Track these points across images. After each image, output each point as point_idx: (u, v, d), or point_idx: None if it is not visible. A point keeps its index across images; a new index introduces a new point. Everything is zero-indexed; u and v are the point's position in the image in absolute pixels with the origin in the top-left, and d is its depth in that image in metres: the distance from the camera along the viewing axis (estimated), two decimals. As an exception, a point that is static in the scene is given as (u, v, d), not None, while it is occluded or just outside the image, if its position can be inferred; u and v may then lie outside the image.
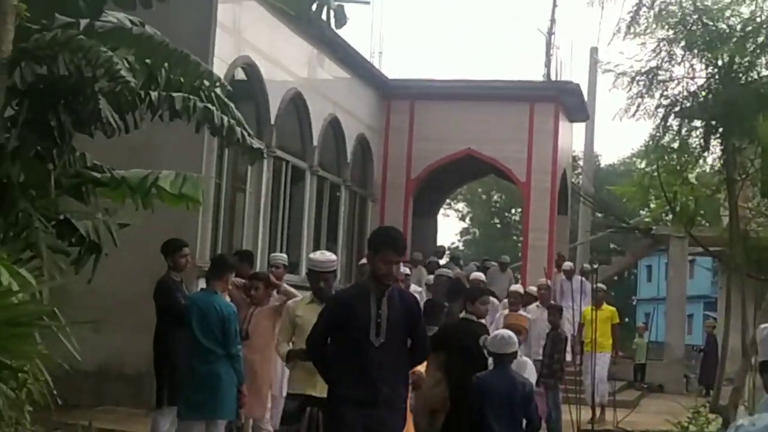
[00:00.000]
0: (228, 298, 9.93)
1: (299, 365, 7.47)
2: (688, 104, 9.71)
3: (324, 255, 7.97)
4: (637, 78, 9.55)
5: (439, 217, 28.06)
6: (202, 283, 10.28)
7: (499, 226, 56.78)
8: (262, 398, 9.54)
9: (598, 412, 14.11)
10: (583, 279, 18.86)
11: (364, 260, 8.31)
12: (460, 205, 57.47)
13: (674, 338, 23.62)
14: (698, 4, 9.47)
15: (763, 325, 3.93)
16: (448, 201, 40.91)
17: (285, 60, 16.30)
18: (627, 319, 35.78)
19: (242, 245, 14.61)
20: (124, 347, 12.25)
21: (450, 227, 61.10)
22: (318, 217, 18.42)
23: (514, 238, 49.17)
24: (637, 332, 27.08)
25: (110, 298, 10.90)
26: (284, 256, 12.66)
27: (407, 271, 13.54)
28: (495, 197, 55.97)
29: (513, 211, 54.38)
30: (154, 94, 7.75)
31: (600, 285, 17.07)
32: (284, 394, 8.59)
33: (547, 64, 28.65)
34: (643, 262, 50.56)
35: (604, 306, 15.75)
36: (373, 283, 6.39)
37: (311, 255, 7.91)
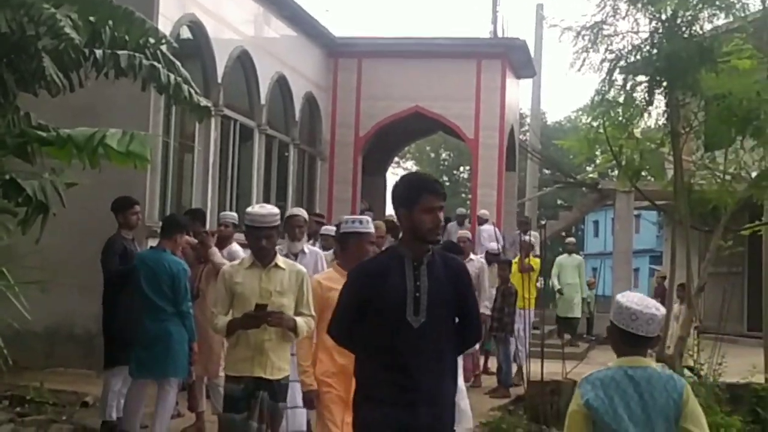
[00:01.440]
0: (181, 257, 9.93)
1: (242, 341, 6.65)
2: (633, 59, 9.77)
3: (264, 208, 6.84)
4: (582, 33, 9.60)
5: (388, 176, 28.06)
6: (152, 243, 10.24)
7: (448, 183, 56.93)
8: (215, 356, 9.55)
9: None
10: (496, 227, 19.43)
11: (360, 227, 6.68)
12: (409, 164, 57.56)
13: (621, 291, 23.91)
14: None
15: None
16: (396, 159, 40.96)
17: (231, 18, 16.17)
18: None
19: (191, 204, 14.55)
20: (73, 308, 12.18)
21: (399, 185, 60.99)
22: (267, 175, 18.38)
23: (463, 195, 49.37)
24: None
25: (58, 258, 10.81)
26: (234, 214, 12.62)
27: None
28: (443, 155, 56.16)
29: (461, 168, 54.64)
30: (98, 52, 7.67)
31: (532, 235, 17.28)
32: (221, 373, 8.06)
33: (494, 21, 28.68)
34: (590, 218, 51.14)
35: (531, 258, 15.65)
36: (409, 245, 5.07)
37: (249, 209, 6.80)
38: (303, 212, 9.52)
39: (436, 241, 5.08)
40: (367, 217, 6.93)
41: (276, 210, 6.84)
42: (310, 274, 7.49)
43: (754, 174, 10.39)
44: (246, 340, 6.62)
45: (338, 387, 6.56)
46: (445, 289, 5.03)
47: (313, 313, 6.72)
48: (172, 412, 9.03)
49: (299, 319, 6.66)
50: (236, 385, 6.66)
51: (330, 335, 5.47)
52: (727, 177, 10.37)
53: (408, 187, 5.12)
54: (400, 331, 4.95)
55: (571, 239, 23.16)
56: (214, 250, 9.95)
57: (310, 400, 6.72)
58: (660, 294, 21.77)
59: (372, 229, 6.87)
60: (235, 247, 10.34)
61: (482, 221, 19.61)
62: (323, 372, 6.63)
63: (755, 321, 17.76)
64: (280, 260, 6.86)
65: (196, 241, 10.24)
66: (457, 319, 5.15)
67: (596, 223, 56.75)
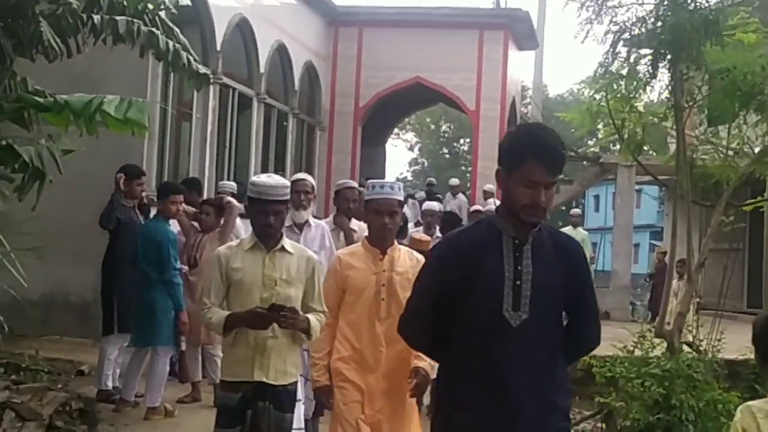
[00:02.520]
0: (178, 226, 9.92)
1: (241, 339, 5.52)
2: (637, 31, 9.67)
3: (272, 178, 5.69)
4: (587, 4, 9.47)
5: (388, 147, 28.00)
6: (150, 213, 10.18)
7: (447, 156, 56.94)
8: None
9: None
10: (464, 198, 19.38)
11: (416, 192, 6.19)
12: (409, 135, 57.52)
13: (621, 266, 23.88)
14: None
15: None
16: (396, 131, 40.87)
17: (231, -15, 16.05)
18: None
19: (188, 173, 14.49)
20: (69, 276, 12.13)
21: (399, 157, 61.11)
22: (266, 145, 18.31)
23: (463, 168, 49.32)
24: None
25: (54, 225, 10.74)
26: (233, 184, 12.57)
27: None
28: (444, 127, 56.07)
29: (461, 141, 54.58)
30: (96, 18, 7.59)
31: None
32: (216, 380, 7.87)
33: (497, -8, 28.51)
34: (591, 192, 51.07)
35: None
36: (508, 219, 3.85)
37: (254, 179, 5.65)
38: (309, 177, 8.14)
39: (532, 224, 3.82)
40: (398, 183, 5.95)
41: (286, 181, 5.75)
42: (315, 250, 6.89)
43: (757, 149, 10.30)
44: (245, 338, 5.50)
45: (356, 379, 5.69)
46: (555, 276, 3.86)
47: (325, 308, 5.69)
48: (163, 381, 9.03)
49: (312, 319, 5.56)
50: (233, 393, 5.54)
51: (402, 334, 4.29)
52: (730, 152, 10.27)
53: (514, 143, 3.82)
54: (494, 332, 3.78)
55: (577, 210, 23.13)
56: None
57: (321, 397, 5.92)
58: (660, 270, 21.75)
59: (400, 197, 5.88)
60: (238, 222, 10.29)
61: (488, 195, 19.45)
62: (338, 360, 5.75)
63: (755, 298, 17.77)
64: (287, 243, 5.66)
65: (193, 210, 10.19)
66: (566, 317, 4.03)
67: (597, 197, 56.70)
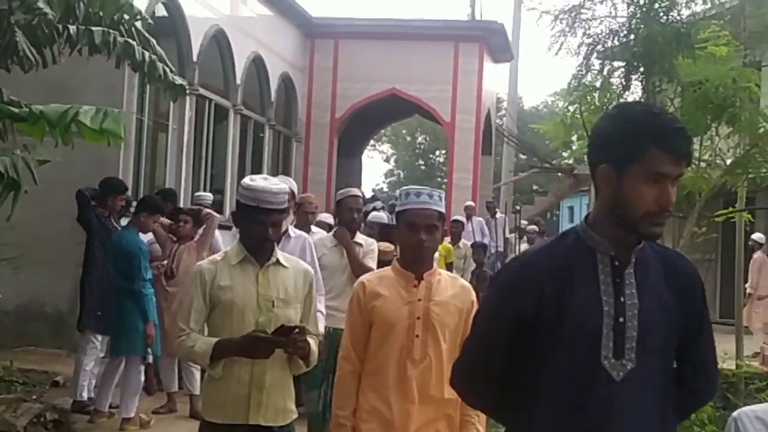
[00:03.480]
0: (152, 237, 9.93)
1: (233, 372, 4.60)
2: (610, 43, 9.77)
3: (271, 182, 4.76)
4: (560, 16, 9.59)
5: (364, 158, 28.04)
6: (124, 222, 10.17)
7: (423, 167, 56.98)
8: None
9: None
10: (482, 221, 19.07)
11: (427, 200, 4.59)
12: (385, 147, 57.57)
13: (594, 277, 23.91)
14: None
15: None
16: (372, 143, 40.92)
17: (207, -4, 16.06)
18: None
19: (165, 184, 14.47)
20: (44, 287, 12.08)
21: (375, 169, 61.21)
22: (242, 156, 18.30)
23: (438, 179, 49.39)
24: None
25: (29, 236, 10.70)
26: (210, 195, 12.58)
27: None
28: (419, 139, 56.16)
29: (437, 152, 54.66)
30: (72, 28, 7.60)
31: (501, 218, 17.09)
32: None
33: (472, 4, 28.67)
34: (566, 204, 51.17)
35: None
36: (607, 231, 2.84)
37: (249, 182, 4.69)
38: (289, 181, 7.25)
39: (653, 237, 2.82)
40: (438, 191, 4.66)
41: (286, 186, 4.89)
42: None
43: (728, 161, 10.41)
44: (238, 371, 4.56)
45: None
46: (668, 310, 2.86)
47: (321, 330, 5.17)
48: (138, 391, 9.01)
49: (312, 343, 4.67)
50: None
51: (456, 388, 3.17)
52: (702, 164, 10.39)
53: (630, 129, 2.76)
54: (590, 388, 2.78)
55: (533, 227, 21.02)
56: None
57: None
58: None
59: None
60: (217, 234, 10.30)
61: (470, 214, 18.98)
62: (357, 413, 4.55)
63: (727, 308, 17.85)
64: (281, 255, 4.80)
65: (168, 221, 10.18)
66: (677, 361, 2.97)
67: (571, 208, 56.73)
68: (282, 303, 4.63)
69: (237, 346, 4.47)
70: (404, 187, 4.75)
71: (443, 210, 4.61)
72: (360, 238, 7.54)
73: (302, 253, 6.74)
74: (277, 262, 4.71)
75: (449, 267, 13.41)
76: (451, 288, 4.57)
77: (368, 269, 6.84)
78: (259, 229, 4.60)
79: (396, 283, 4.53)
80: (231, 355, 4.52)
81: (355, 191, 7.75)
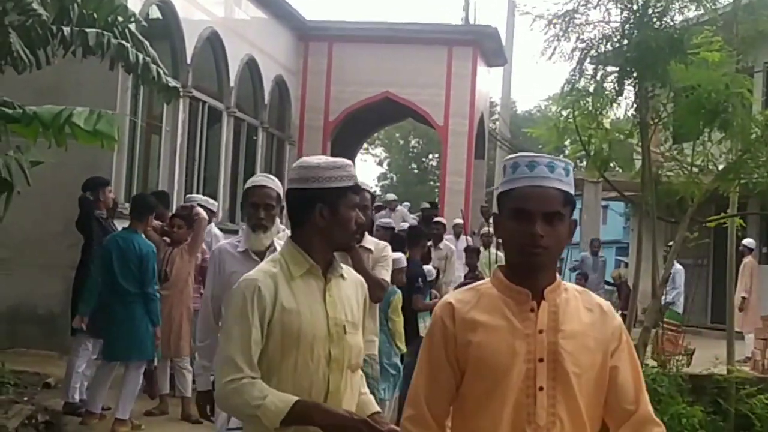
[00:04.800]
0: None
1: None
2: (603, 48, 9.79)
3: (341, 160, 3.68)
4: (554, 21, 9.59)
5: (357, 162, 28.02)
6: (117, 224, 10.16)
7: (416, 171, 56.99)
8: (182, 338, 9.55)
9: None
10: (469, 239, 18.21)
11: None
12: (378, 150, 57.54)
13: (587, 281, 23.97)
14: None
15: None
16: (366, 146, 40.92)
17: (201, -1, 16.06)
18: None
19: (158, 186, 14.46)
20: (36, 288, 12.05)
21: (368, 172, 61.20)
22: (235, 159, 18.31)
23: (431, 183, 49.41)
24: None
25: (22, 237, 10.71)
26: (200, 197, 12.56)
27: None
28: (412, 142, 56.13)
29: (430, 156, 54.65)
30: (66, 29, 7.60)
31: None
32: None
33: (466, 8, 28.69)
34: (558, 207, 51.15)
35: None
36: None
37: (311, 160, 3.60)
38: (274, 181, 5.64)
39: None
40: (562, 161, 3.04)
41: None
42: None
43: (721, 166, 10.43)
44: None
45: None
46: None
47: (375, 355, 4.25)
48: (135, 394, 9.00)
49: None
50: None
51: None
52: (695, 169, 10.41)
53: None
54: None
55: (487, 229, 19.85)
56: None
57: None
58: (618, 287, 21.87)
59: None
60: (215, 230, 10.27)
61: (459, 233, 17.44)
62: None
63: (719, 313, 17.90)
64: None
65: (160, 224, 10.18)
66: None
67: (563, 212, 56.81)
68: (352, 328, 3.58)
69: (330, 418, 3.32)
70: (511, 156, 3.08)
71: (571, 190, 3.00)
72: (369, 241, 6.23)
73: None
74: (341, 273, 3.63)
75: None
76: (586, 310, 3.04)
77: (380, 282, 5.92)
78: (357, 216, 3.60)
79: (502, 305, 2.98)
80: (312, 425, 3.33)
81: (263, 180, 5.61)
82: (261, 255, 5.23)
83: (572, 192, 2.99)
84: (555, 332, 2.94)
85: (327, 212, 3.47)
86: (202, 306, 5.68)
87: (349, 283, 3.66)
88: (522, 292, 2.96)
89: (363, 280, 3.79)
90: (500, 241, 3.22)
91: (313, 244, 3.51)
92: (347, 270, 3.71)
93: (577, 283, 12.76)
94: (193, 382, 6.48)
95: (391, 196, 20.57)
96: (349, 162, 3.58)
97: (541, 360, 2.91)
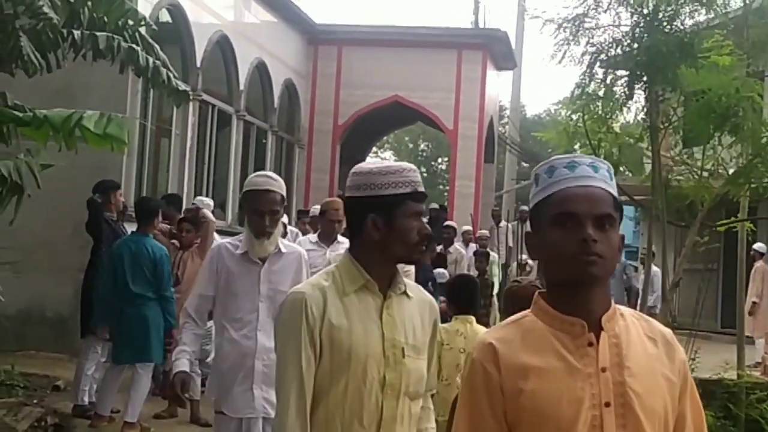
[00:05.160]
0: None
1: None
2: (613, 52, 9.77)
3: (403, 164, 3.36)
4: (564, 25, 9.58)
5: (366, 165, 28.01)
6: (127, 227, 10.18)
7: (426, 175, 56.98)
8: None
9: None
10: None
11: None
12: (387, 154, 57.56)
13: (596, 285, 23.92)
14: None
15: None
16: (375, 150, 40.91)
17: (211, 2, 16.08)
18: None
19: (167, 189, 14.49)
20: (46, 291, 12.09)
21: (377, 175, 61.10)
22: (244, 162, 18.31)
23: (441, 186, 49.39)
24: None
25: (31, 240, 10.73)
26: (207, 199, 12.57)
27: None
28: (422, 146, 56.19)
29: (439, 159, 54.68)
30: (77, 33, 7.62)
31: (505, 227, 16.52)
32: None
33: (476, 12, 28.69)
34: (567, 212, 51.12)
35: None
36: None
37: (380, 164, 3.37)
38: (278, 180, 5.25)
39: None
40: (603, 163, 2.50)
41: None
42: (283, 290, 4.71)
43: (731, 170, 10.40)
44: None
45: None
46: None
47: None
48: (144, 397, 9.01)
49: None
50: None
51: None
52: (705, 173, 10.38)
53: None
54: None
55: (468, 227, 18.48)
56: None
57: None
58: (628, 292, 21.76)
59: None
60: (218, 238, 10.25)
61: (469, 240, 17.43)
62: None
63: (729, 318, 17.86)
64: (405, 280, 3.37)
65: (169, 227, 10.21)
66: None
67: (573, 216, 56.79)
68: (413, 351, 3.23)
69: None
70: (544, 162, 2.59)
71: (615, 192, 2.49)
72: None
73: (297, 274, 5.19)
74: (404, 290, 3.29)
75: None
76: (649, 340, 2.49)
77: None
78: (420, 226, 3.21)
79: (553, 340, 2.42)
80: None
81: (267, 183, 5.17)
82: (263, 258, 5.19)
83: (615, 194, 2.49)
84: (620, 369, 2.38)
85: (381, 223, 3.16)
86: (188, 301, 5.40)
87: (415, 302, 3.31)
88: (576, 323, 2.40)
89: (433, 300, 3.42)
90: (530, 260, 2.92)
91: (370, 257, 3.21)
92: (415, 288, 3.38)
93: (477, 265, 11.79)
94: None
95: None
96: (409, 166, 3.25)
97: (607, 405, 2.35)
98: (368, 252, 3.21)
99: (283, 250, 5.28)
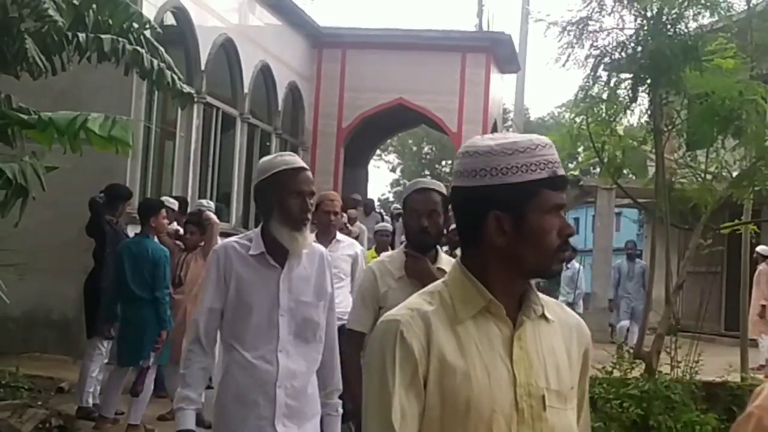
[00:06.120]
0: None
1: None
2: (617, 55, 9.78)
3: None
4: (568, 28, 9.59)
5: (370, 168, 28.05)
6: (132, 229, 10.20)
7: (429, 177, 57.00)
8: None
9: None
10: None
11: None
12: (391, 157, 57.61)
13: (600, 289, 23.93)
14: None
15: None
16: (378, 152, 40.95)
17: (215, 5, 16.11)
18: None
19: (171, 191, 14.50)
20: (50, 293, 12.12)
21: (381, 178, 61.32)
22: (249, 164, 18.32)
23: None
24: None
25: (36, 242, 10.74)
26: (209, 202, 12.59)
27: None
28: (426, 149, 56.20)
29: (443, 162, 54.67)
30: (82, 36, 7.65)
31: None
32: None
33: (479, 15, 28.70)
34: (571, 215, 51.15)
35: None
36: None
37: (519, 138, 2.28)
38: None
39: None
40: None
41: None
42: (309, 300, 4.13)
43: (734, 173, 10.41)
44: None
45: None
46: None
47: None
48: (147, 399, 9.02)
49: None
50: None
51: None
52: (708, 176, 10.38)
53: None
54: None
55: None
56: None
57: None
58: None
59: None
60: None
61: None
62: None
63: (733, 320, 17.85)
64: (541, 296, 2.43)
65: (175, 229, 10.23)
66: None
67: (577, 219, 56.76)
68: (558, 400, 2.30)
69: None
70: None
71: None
72: (444, 261, 4.72)
73: (320, 279, 4.23)
74: (542, 313, 2.34)
75: None
76: None
77: None
78: (561, 224, 2.27)
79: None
80: None
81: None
82: (283, 262, 4.12)
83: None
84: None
85: (508, 222, 2.22)
86: (192, 322, 4.28)
87: (558, 327, 2.36)
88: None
89: (581, 322, 2.47)
90: None
91: (492, 269, 2.27)
92: (555, 307, 2.41)
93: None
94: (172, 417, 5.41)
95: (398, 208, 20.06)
96: (544, 140, 2.27)
97: None
98: (489, 262, 2.27)
99: (306, 248, 4.19)
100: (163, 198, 12.24)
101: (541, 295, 2.36)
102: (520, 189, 2.21)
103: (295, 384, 4.02)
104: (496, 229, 2.23)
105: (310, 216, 4.11)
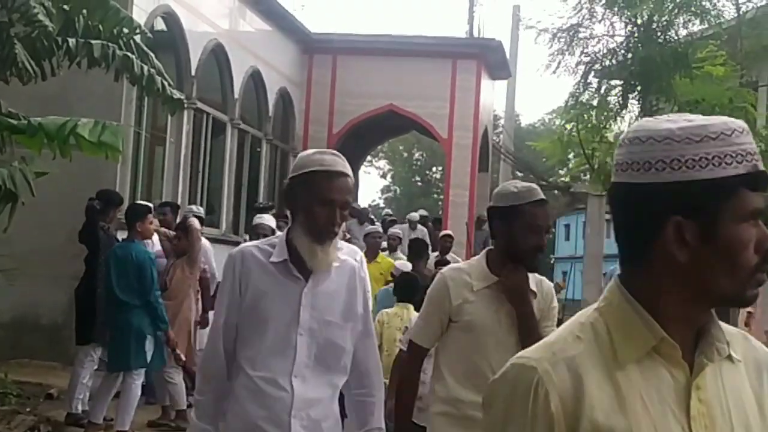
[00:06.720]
0: (160, 250, 9.96)
1: None
2: (608, 62, 9.82)
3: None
4: (559, 35, 9.64)
5: (361, 174, 28.04)
6: (121, 235, 10.18)
7: (420, 183, 57.06)
8: (179, 347, 9.55)
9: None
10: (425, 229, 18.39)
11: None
12: (382, 163, 57.66)
13: (591, 295, 23.87)
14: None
15: None
16: (369, 158, 40.96)
17: (206, 10, 16.08)
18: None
19: (162, 197, 14.46)
20: (40, 299, 12.07)
21: (371, 185, 61.37)
22: (239, 170, 18.30)
23: (435, 196, 49.43)
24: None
25: (25, 248, 10.70)
26: (197, 208, 12.59)
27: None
28: (416, 155, 56.26)
29: (434, 169, 54.75)
30: (72, 41, 7.64)
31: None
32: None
33: (470, 21, 28.73)
34: (562, 221, 51.32)
35: (380, 257, 12.12)
36: None
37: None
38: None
39: None
40: None
41: None
42: (335, 320, 3.61)
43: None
44: None
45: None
46: None
47: None
48: (135, 405, 8.99)
49: None
50: None
51: None
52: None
53: None
54: None
55: (396, 231, 15.58)
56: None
57: None
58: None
59: None
60: (207, 245, 10.25)
61: (482, 222, 17.80)
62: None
63: (725, 319, 17.88)
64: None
65: (172, 233, 10.21)
66: None
67: (567, 226, 56.94)
68: None
69: None
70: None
71: None
72: (533, 281, 4.26)
73: (351, 297, 3.69)
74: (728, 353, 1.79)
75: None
76: None
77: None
78: (761, 236, 1.71)
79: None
80: None
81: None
82: (308, 274, 3.57)
83: None
84: None
85: (692, 231, 1.67)
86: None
87: (744, 369, 1.82)
88: None
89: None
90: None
91: (665, 295, 1.72)
92: (741, 340, 1.87)
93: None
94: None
95: (415, 216, 19.57)
96: (739, 124, 1.70)
97: None
98: (663, 285, 1.72)
99: (336, 262, 3.64)
100: (190, 207, 12.20)
101: (724, 325, 1.80)
102: (712, 188, 1.65)
103: (311, 414, 3.50)
104: (676, 241, 1.68)
105: (338, 229, 3.54)
